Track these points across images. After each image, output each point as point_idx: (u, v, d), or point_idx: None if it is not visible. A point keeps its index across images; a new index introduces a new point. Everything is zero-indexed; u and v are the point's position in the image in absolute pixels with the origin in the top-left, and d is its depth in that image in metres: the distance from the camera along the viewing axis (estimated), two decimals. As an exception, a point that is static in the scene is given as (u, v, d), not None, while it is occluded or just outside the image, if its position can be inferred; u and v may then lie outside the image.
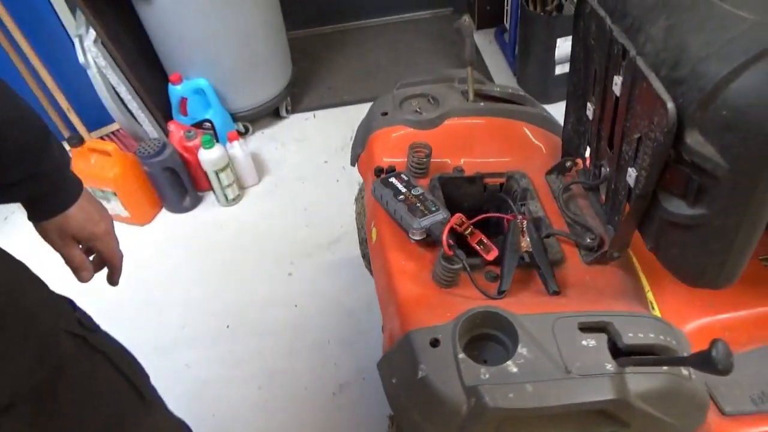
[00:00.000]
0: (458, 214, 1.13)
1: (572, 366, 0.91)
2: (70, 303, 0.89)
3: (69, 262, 0.90)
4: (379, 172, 1.28)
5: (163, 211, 2.34)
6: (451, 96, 1.46)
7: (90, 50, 2.13)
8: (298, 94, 2.86)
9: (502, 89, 1.52)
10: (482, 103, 1.45)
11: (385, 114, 1.43)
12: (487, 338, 1.00)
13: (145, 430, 0.98)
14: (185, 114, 2.38)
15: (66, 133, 2.38)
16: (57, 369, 0.79)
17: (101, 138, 2.44)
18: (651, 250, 1.09)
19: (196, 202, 2.34)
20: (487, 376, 0.90)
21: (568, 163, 1.34)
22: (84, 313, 0.91)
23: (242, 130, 2.62)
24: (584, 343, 0.94)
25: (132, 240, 2.23)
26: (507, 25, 2.93)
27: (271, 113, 2.70)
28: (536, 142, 1.46)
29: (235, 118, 2.53)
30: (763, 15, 0.83)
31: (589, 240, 1.20)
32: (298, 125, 2.70)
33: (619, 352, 0.96)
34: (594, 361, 0.92)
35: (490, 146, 1.41)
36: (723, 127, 0.83)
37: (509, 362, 0.91)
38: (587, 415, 0.91)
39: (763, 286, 1.32)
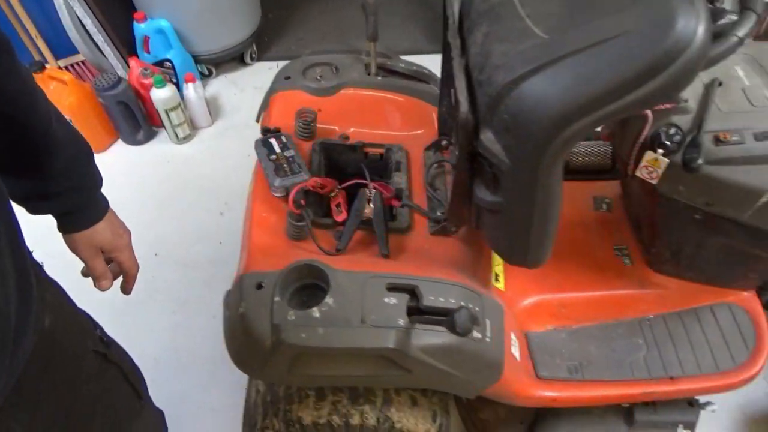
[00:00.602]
0: (314, 178, 1.26)
1: (368, 318, 1.06)
2: (90, 320, 0.99)
3: (93, 270, 0.96)
4: (265, 131, 1.41)
5: (119, 142, 2.49)
6: (353, 68, 1.57)
7: (57, -20, 2.24)
8: (266, 43, 2.95)
9: (406, 65, 1.62)
10: (380, 78, 1.56)
11: (288, 78, 1.55)
12: (317, 288, 1.16)
13: (141, 422, 1.13)
14: (148, 52, 2.49)
15: (37, 57, 2.51)
16: (81, 387, 0.90)
17: (69, 66, 2.57)
18: (475, 229, 1.23)
19: (150, 136, 2.48)
20: (293, 317, 1.05)
21: (444, 142, 1.46)
22: (102, 330, 1.01)
23: (205, 72, 2.73)
24: (386, 300, 1.09)
25: (86, 166, 2.40)
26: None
27: (236, 59, 2.80)
28: (429, 118, 1.58)
29: (197, 60, 2.63)
30: (552, 34, 0.94)
31: (439, 214, 1.34)
32: (260, 73, 2.80)
33: (421, 311, 1.11)
34: (389, 316, 1.07)
35: (380, 118, 1.53)
36: (505, 129, 0.96)
37: (315, 308, 1.06)
38: (374, 359, 1.07)
39: (607, 273, 1.46)
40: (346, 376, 1.10)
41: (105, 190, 2.48)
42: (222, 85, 2.75)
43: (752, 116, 1.13)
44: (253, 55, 2.83)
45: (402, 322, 1.07)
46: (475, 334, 1.12)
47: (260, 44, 2.88)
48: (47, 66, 2.30)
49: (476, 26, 1.06)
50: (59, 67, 2.48)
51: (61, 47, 2.52)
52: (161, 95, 2.26)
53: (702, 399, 1.48)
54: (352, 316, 1.06)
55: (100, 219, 0.94)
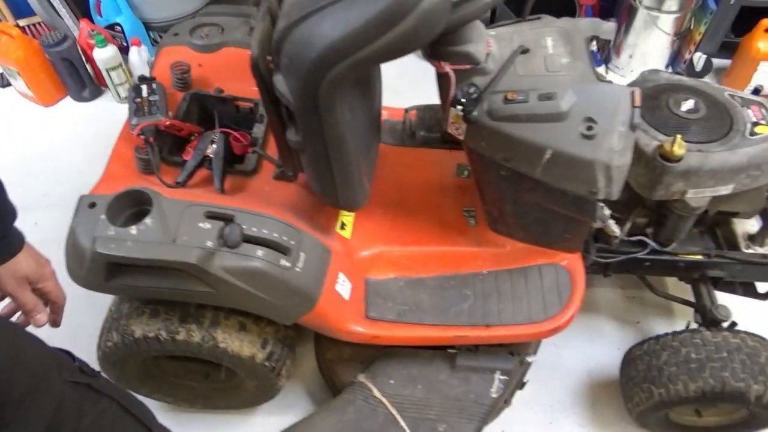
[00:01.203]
0: (165, 119, 1.40)
1: (180, 238, 1.19)
2: (67, 354, 0.99)
3: (24, 304, 0.95)
4: (141, 79, 1.54)
5: (68, 98, 2.66)
6: (239, 29, 1.70)
7: (13, -58, 2.40)
8: (223, 16, 3.09)
9: (292, 30, 1.75)
10: (260, 39, 1.68)
11: (176, 35, 1.69)
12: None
13: None
14: (100, 15, 2.65)
15: None
16: (70, 420, 0.90)
17: (30, 26, 2.74)
18: (301, 172, 1.35)
19: (96, 94, 2.64)
20: (112, 232, 1.19)
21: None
22: (83, 362, 1.00)
23: (157, 39, 2.88)
24: (201, 225, 1.22)
25: (33, 117, 2.58)
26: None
27: (190, 29, 2.94)
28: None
29: (150, 27, 2.78)
30: None
31: (286, 161, 1.46)
32: (212, 44, 2.94)
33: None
34: (200, 237, 1.20)
35: (256, 76, 1.65)
36: (287, 71, 1.08)
37: (133, 226, 1.20)
38: (180, 274, 1.20)
39: (451, 231, 1.58)
40: (156, 288, 1.23)
41: (49, 140, 2.62)
42: (173, 52, 2.89)
43: (543, 80, 1.23)
44: (207, 26, 2.97)
45: (210, 243, 1.20)
46: (283, 262, 1.25)
47: (216, 17, 3.02)
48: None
49: (289, -18, 1.19)
50: (18, 26, 2.65)
51: (22, 8, 2.69)
52: (102, 55, 2.42)
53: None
54: (163, 234, 1.19)
55: (19, 249, 0.95)
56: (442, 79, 1.27)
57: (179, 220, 1.22)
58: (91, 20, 2.66)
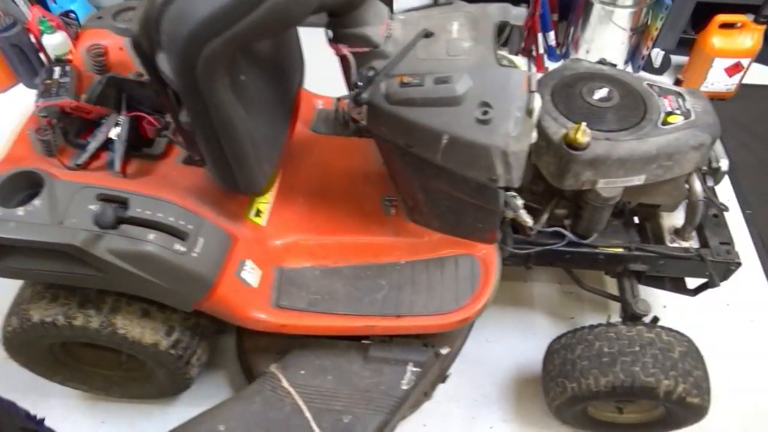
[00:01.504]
0: (71, 101, 1.37)
1: (68, 220, 1.17)
2: (14, 405, 1.05)
3: None
4: (57, 61, 1.52)
5: (21, 85, 2.64)
6: (164, 13, 1.67)
7: (-37, -73, 2.38)
8: (184, 6, 3.07)
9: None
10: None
11: (100, 18, 1.67)
12: (46, 196, 1.26)
13: None
14: (54, 2, 2.63)
15: (-47, -1, 2.67)
16: None
17: (-16, 12, 2.73)
18: (201, 159, 1.33)
19: (48, 82, 2.63)
20: (0, 214, 1.17)
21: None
22: (25, 410, 1.05)
23: (115, 27, 2.86)
24: (91, 207, 1.19)
25: (-18, 102, 2.57)
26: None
27: (149, 18, 2.92)
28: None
29: (105, 15, 2.77)
30: None
31: (197, 146, 1.43)
32: (170, 33, 2.92)
33: (132, 222, 1.21)
34: (86, 220, 1.17)
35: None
36: (167, 49, 1.05)
37: (21, 207, 1.17)
38: (66, 257, 1.16)
39: (368, 221, 1.55)
40: (43, 271, 1.21)
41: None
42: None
43: (442, 63, 1.21)
44: (166, 16, 2.94)
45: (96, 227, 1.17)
46: (177, 247, 1.22)
47: (177, 6, 3.00)
48: (-49, 7, 2.46)
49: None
50: (-29, 12, 2.63)
51: (-24, -7, 2.67)
52: (50, 41, 2.37)
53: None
54: (53, 217, 1.17)
55: None
56: (343, 63, 1.25)
57: (69, 202, 1.20)
58: (46, 7, 2.64)
